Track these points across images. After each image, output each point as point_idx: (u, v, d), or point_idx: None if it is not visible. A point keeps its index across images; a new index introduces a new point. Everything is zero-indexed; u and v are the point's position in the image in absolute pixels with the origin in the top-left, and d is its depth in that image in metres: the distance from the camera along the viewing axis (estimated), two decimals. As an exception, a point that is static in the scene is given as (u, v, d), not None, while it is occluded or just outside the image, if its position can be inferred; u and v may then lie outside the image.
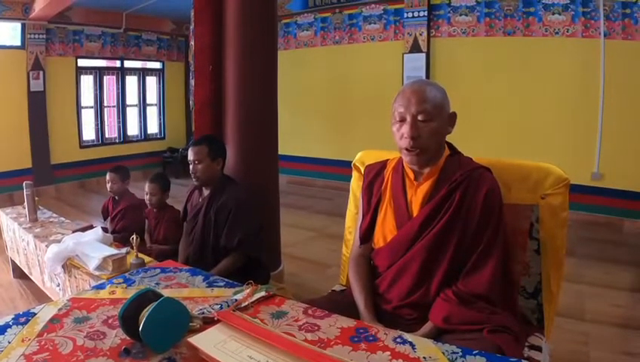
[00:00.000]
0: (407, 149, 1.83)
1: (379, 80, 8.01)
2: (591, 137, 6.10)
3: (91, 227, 3.98)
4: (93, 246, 3.09)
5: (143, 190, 4.09)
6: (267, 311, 1.66)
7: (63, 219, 4.38)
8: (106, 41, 9.25)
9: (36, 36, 8.06)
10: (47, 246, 3.43)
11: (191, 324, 1.48)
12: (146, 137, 10.27)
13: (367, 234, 2.11)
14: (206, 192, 3.31)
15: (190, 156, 3.24)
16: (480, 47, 6.94)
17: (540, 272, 2.03)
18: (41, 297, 4.01)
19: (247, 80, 3.93)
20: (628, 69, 5.82)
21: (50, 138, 8.48)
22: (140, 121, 10.15)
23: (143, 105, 10.13)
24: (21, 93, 8.02)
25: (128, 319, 1.39)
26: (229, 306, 1.64)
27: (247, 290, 1.77)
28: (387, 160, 2.14)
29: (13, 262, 4.64)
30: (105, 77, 9.43)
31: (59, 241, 3.36)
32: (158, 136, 10.54)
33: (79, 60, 8.92)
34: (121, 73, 9.65)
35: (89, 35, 8.97)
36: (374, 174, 2.13)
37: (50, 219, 4.33)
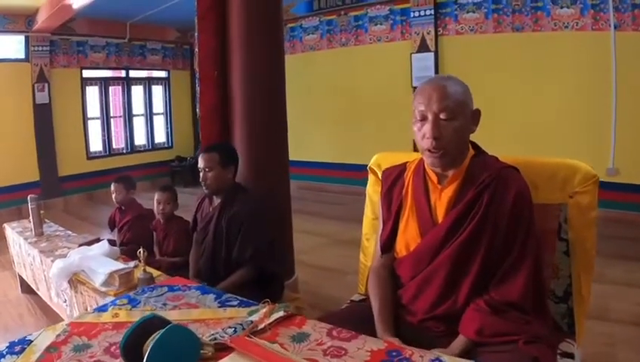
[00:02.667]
0: (429, 150, 1.70)
1: (387, 81, 7.88)
2: (605, 132, 5.94)
3: (98, 240, 3.84)
4: (99, 260, 2.96)
5: (152, 200, 3.95)
6: (287, 333, 1.51)
7: (69, 232, 4.25)
8: (111, 52, 9.16)
9: (40, 48, 7.98)
10: (52, 261, 3.31)
11: (202, 352, 1.33)
12: (153, 147, 10.20)
13: (388, 244, 1.97)
14: (217, 201, 3.15)
15: (200, 164, 3.07)
16: (489, 44, 6.82)
17: (569, 275, 1.92)
18: (49, 313, 3.89)
19: (255, 85, 3.79)
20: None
21: (56, 150, 8.40)
22: (147, 131, 10.08)
23: (149, 114, 10.06)
24: (27, 105, 7.93)
25: (131, 349, 1.24)
26: (243, 329, 1.49)
27: (264, 310, 1.61)
28: (406, 162, 2.00)
29: (20, 277, 4.52)
30: (110, 87, 9.33)
31: (64, 256, 3.23)
32: (166, 145, 10.47)
33: (84, 71, 8.86)
34: (127, 83, 9.56)
35: (93, 46, 8.89)
36: (394, 179, 1.99)
37: (57, 233, 4.20)
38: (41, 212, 4.22)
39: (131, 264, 3.03)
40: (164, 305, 1.82)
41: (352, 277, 4.39)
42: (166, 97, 10.34)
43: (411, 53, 7.50)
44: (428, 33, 7.33)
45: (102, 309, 1.79)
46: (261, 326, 1.52)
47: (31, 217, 4.15)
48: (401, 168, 1.99)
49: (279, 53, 4.03)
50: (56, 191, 8.29)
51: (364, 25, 8.11)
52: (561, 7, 6.15)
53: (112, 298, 2.55)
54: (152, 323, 1.28)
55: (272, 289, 3.08)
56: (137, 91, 9.82)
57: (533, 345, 1.54)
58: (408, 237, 1.86)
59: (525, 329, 1.60)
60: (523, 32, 6.51)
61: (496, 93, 6.62)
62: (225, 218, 3.02)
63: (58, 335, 1.53)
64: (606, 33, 5.84)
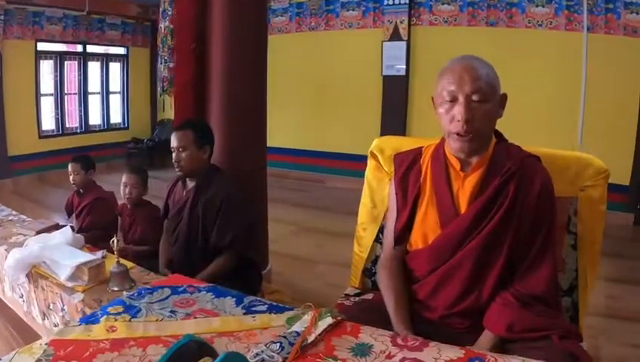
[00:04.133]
0: (458, 134, 1.60)
1: (357, 68, 7.65)
2: (572, 132, 5.88)
3: (57, 226, 3.45)
4: (62, 251, 2.58)
5: (107, 184, 3.58)
6: (343, 344, 1.27)
7: (23, 217, 3.82)
8: (68, 24, 8.52)
9: (-7, 18, 7.34)
10: (6, 250, 2.90)
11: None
12: (108, 127, 9.59)
13: (402, 235, 1.84)
14: (190, 184, 2.91)
15: (173, 143, 2.81)
16: (462, 37, 6.67)
17: (575, 268, 1.90)
18: (3, 307, 3.45)
19: (237, 60, 3.49)
20: (610, 63, 5.68)
21: (6, 128, 7.78)
22: (103, 110, 9.48)
23: (105, 92, 9.45)
24: (-25, 79, 7.30)
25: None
26: (291, 344, 1.20)
27: (307, 317, 1.32)
28: (421, 147, 1.88)
29: (-35, 266, 4.04)
30: (66, 62, 8.72)
31: (21, 245, 2.83)
32: (122, 126, 9.85)
33: (39, 44, 8.18)
34: (83, 59, 8.95)
35: (50, 18, 8.24)
36: (409, 164, 1.86)
37: (10, 218, 3.76)
38: (-8, 193, 3.77)
39: (99, 254, 2.67)
40: (173, 312, 1.48)
41: (324, 267, 4.44)
42: (124, 75, 9.74)
43: (383, 42, 7.27)
44: (401, 22, 7.11)
45: (91, 320, 1.44)
46: (310, 338, 1.26)
47: (-20, 199, 3.70)
48: (416, 153, 1.88)
49: (263, 27, 3.79)
50: (5, 172, 7.69)
51: (336, 10, 7.81)
52: (537, 6, 6.12)
53: (80, 294, 2.26)
54: (189, 351, 0.95)
55: (250, 279, 2.92)
56: (94, 68, 9.21)
57: (568, 341, 1.50)
58: (427, 228, 1.75)
59: (555, 323, 1.56)
60: (497, 27, 6.41)
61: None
62: (200, 202, 2.80)
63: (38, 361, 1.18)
64: (579, 34, 5.82)
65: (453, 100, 1.61)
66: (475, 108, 1.58)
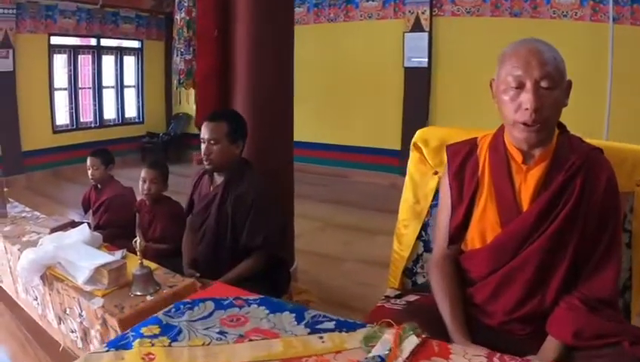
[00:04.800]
0: (525, 124, 1.47)
1: (377, 60, 7.43)
2: (597, 126, 5.65)
3: (73, 224, 3.24)
4: (80, 251, 2.37)
5: (122, 180, 3.39)
6: None
7: (37, 213, 3.61)
8: (82, 18, 8.31)
9: (5, 11, 7.14)
10: (19, 250, 2.69)
11: None
12: (123, 121, 9.36)
13: (458, 233, 1.70)
14: (219, 179, 2.71)
15: (205, 134, 2.60)
16: (485, 28, 6.47)
17: (629, 268, 1.77)
18: (15, 308, 3.28)
19: (261, 46, 3.26)
20: (636, 55, 5.50)
21: (20, 123, 7.58)
22: (117, 104, 9.28)
23: (120, 86, 9.23)
24: (-12, 73, 7.11)
25: None
26: None
27: (387, 336, 1.13)
28: (475, 138, 1.75)
29: (-22, 265, 3.84)
30: (80, 56, 8.51)
31: (35, 244, 2.63)
32: (137, 120, 9.64)
33: (52, 38, 7.96)
34: (97, 52, 8.75)
35: (63, 11, 8.02)
36: (464, 156, 1.72)
37: (23, 214, 3.56)
38: (5, 189, 3.56)
39: (118, 254, 2.46)
40: (223, 334, 1.24)
41: (351, 264, 4.25)
42: (138, 69, 9.53)
43: (404, 33, 7.06)
44: (423, 13, 6.90)
45: (121, 344, 1.19)
46: (398, 363, 1.00)
47: (-8, 195, 3.50)
48: (471, 144, 1.74)
49: (289, 14, 3.56)
50: (18, 167, 7.51)
51: (355, 0, 7.59)
52: (562, -4, 5.89)
53: (99, 299, 2.05)
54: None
55: (279, 279, 2.76)
56: (108, 62, 8.99)
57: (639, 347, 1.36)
58: (485, 227, 1.61)
59: (626, 328, 1.45)
60: (521, 18, 6.23)
61: (488, 77, 6.28)
62: (230, 199, 2.61)
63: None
64: (604, 25, 5.63)
65: (520, 87, 1.48)
66: (544, 95, 1.45)
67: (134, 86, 9.55)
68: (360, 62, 7.58)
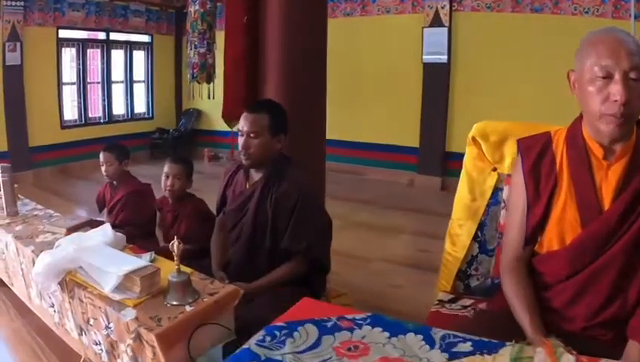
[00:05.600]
0: (612, 115, 1.38)
1: (396, 56, 7.16)
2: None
3: (91, 223, 2.97)
4: (103, 254, 2.09)
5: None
6: None
7: (50, 211, 3.34)
8: (91, 11, 8.04)
9: (13, 3, 6.88)
10: (33, 252, 2.42)
11: None
12: (132, 117, 9.13)
13: (535, 233, 1.59)
14: (256, 176, 2.45)
15: (244, 126, 2.33)
16: (506, 24, 6.30)
17: None
18: (27, 312, 3.01)
19: (293, 33, 3.00)
20: None
21: (27, 118, 7.33)
22: (127, 100, 9.02)
23: (129, 81, 8.97)
24: (-5, 67, 6.86)
25: None
26: None
27: (540, 355, 1.07)
28: (548, 132, 1.65)
29: (-13, 266, 3.56)
30: (88, 50, 8.26)
31: (51, 246, 2.36)
32: (146, 116, 9.37)
33: (60, 31, 7.70)
34: (106, 46, 8.47)
35: (72, 4, 7.73)
36: (539, 152, 1.62)
37: (35, 213, 3.29)
38: (15, 186, 3.28)
39: (146, 257, 2.20)
40: None
41: (378, 264, 4.13)
42: (148, 64, 9.27)
43: (423, 27, 6.82)
44: (442, 7, 6.67)
45: None
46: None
47: (2, 192, 3.22)
48: (545, 138, 1.64)
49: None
50: (25, 164, 7.24)
51: (372, -6, 7.33)
52: (584, -8, 5.75)
53: (131, 310, 1.78)
54: None
55: (317, 283, 2.51)
56: (117, 56, 8.75)
57: None
58: (564, 227, 1.52)
59: None
60: (542, 14, 6.07)
61: (510, 75, 6.28)
62: (270, 198, 2.36)
63: None
64: (626, 22, 5.34)
65: (608, 77, 1.39)
66: (632, 87, 1.36)
67: (144, 81, 9.28)
68: (377, 57, 7.33)
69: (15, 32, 6.97)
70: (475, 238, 2.07)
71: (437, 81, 6.80)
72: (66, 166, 7.89)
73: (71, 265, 2.08)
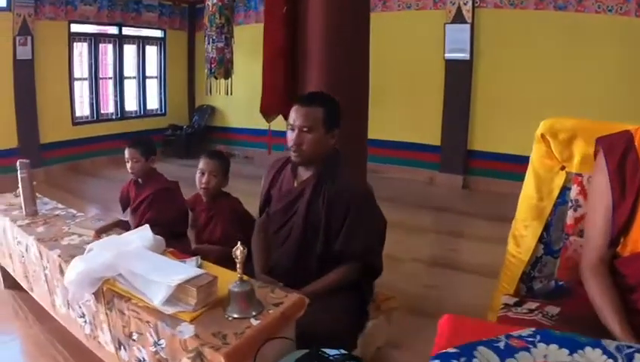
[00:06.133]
0: None
1: (417, 52, 6.91)
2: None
3: (119, 224, 2.74)
4: (147, 260, 1.86)
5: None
6: None
7: (72, 211, 3.11)
8: (103, 5, 7.78)
9: (24, -4, 6.65)
10: (60, 256, 2.17)
11: None
12: (145, 113, 8.89)
13: (619, 233, 1.56)
14: (306, 174, 2.25)
15: (296, 120, 2.13)
16: (529, 21, 6.07)
17: None
18: (47, 319, 2.78)
19: (336, 24, 2.82)
20: None
21: (38, 114, 7.07)
22: (139, 96, 8.78)
23: (142, 77, 8.73)
24: (6, 61, 6.59)
25: None
26: None
27: None
28: (628, 130, 1.61)
29: (3, 270, 3.32)
30: (100, 45, 8.02)
31: (79, 249, 2.13)
32: (159, 113, 9.13)
33: (72, 25, 7.45)
34: (119, 41, 8.23)
35: (84, -3, 7.53)
36: (623, 150, 1.57)
37: (56, 212, 3.06)
38: (34, 183, 3.04)
39: (192, 263, 1.96)
40: None
41: (410, 265, 3.98)
42: (161, 59, 9.02)
43: (445, 24, 6.57)
44: (465, 4, 6.42)
45: None
46: None
47: (20, 190, 2.99)
48: (626, 137, 1.60)
49: None
50: (36, 161, 6.89)
51: (393, -11, 7.09)
52: (608, -10, 5.61)
53: (189, 326, 1.57)
54: None
55: (367, 287, 2.35)
56: (130, 51, 8.51)
57: None
58: None
59: None
60: (566, 12, 5.84)
61: (532, 73, 6.07)
62: (323, 197, 2.17)
63: None
64: None
65: None
66: None
67: (156, 77, 9.03)
68: (398, 53, 7.07)
69: (26, 26, 6.72)
70: (540, 239, 1.97)
71: (459, 78, 6.56)
72: (78, 163, 7.64)
73: (109, 273, 1.85)
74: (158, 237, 2.15)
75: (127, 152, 3.21)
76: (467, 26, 6.43)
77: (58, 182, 6.87)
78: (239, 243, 1.62)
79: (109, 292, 1.85)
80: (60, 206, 3.19)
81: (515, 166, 6.12)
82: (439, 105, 6.73)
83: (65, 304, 2.31)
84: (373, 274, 2.29)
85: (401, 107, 7.08)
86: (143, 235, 2.08)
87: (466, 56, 6.49)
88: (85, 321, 2.14)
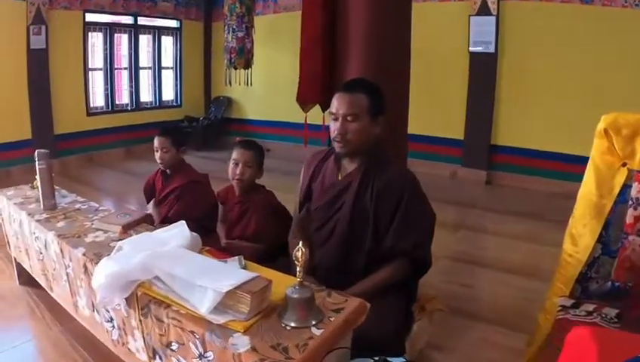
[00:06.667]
0: None
1: (440, 44, 6.66)
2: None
3: (147, 219, 2.51)
4: (188, 261, 1.66)
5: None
6: None
7: (94, 205, 2.89)
8: (118, -6, 7.61)
9: (38, -16, 6.44)
10: (85, 255, 1.95)
11: None
12: (160, 104, 8.65)
13: None
14: (351, 166, 2.10)
15: (339, 108, 1.98)
16: (555, 15, 5.84)
17: None
18: (65, 319, 2.61)
19: (379, 6, 2.55)
20: None
21: (52, 104, 6.87)
22: (154, 87, 8.52)
23: (157, 68, 8.48)
24: (20, 50, 6.40)
25: None
26: None
27: None
28: None
29: (19, 265, 3.10)
30: (115, 35, 7.79)
31: (105, 247, 1.93)
32: (174, 104, 8.90)
33: (87, 15, 7.22)
34: (134, 31, 8.01)
35: (99, -14, 7.32)
36: None
37: (76, 206, 2.85)
38: (52, 175, 2.83)
39: (234, 263, 1.74)
40: None
41: (442, 262, 3.79)
42: (176, 50, 8.79)
43: (470, 16, 6.33)
44: (490, -5, 6.17)
45: None
46: None
47: (38, 182, 2.77)
48: None
49: None
50: (51, 152, 6.68)
51: (417, -20, 6.78)
52: (635, -16, 5.38)
53: (243, 338, 1.36)
54: None
55: (413, 286, 2.20)
56: (145, 41, 8.30)
57: None
58: None
59: None
60: (592, 5, 5.63)
61: (557, 66, 5.84)
62: (372, 189, 2.02)
63: None
64: None
65: None
66: None
67: (172, 68, 8.80)
68: (421, 46, 6.75)
69: (40, 15, 6.51)
70: (598, 239, 1.91)
71: (484, 71, 6.33)
72: (93, 154, 7.45)
73: (143, 276, 1.63)
74: (195, 234, 1.94)
75: (156, 141, 3.00)
76: (492, 19, 6.19)
77: (73, 173, 6.69)
78: (300, 243, 1.39)
79: (144, 297, 1.63)
80: (80, 199, 2.98)
81: (540, 162, 5.95)
82: (463, 99, 6.50)
83: (89, 306, 2.10)
84: (422, 270, 2.11)
85: (424, 100, 6.79)
86: (180, 233, 1.86)
87: (491, 48, 6.24)
88: (113, 326, 1.92)
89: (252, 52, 5.84)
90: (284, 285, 1.49)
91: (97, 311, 2.02)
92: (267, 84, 7.70)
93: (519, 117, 6.12)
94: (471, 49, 6.39)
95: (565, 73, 5.76)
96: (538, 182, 5.94)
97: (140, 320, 1.68)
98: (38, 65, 6.60)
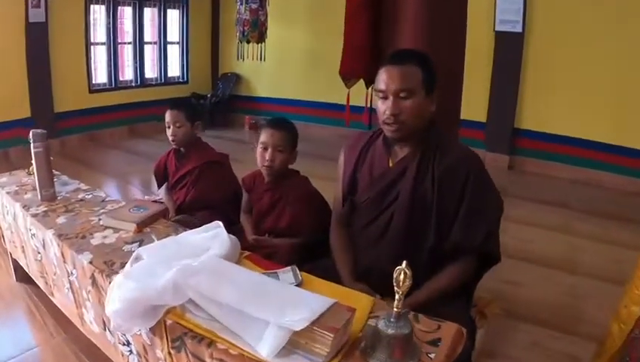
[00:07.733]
0: None
1: (463, 23, 6.13)
2: None
3: (164, 213, 2.09)
4: (235, 280, 1.22)
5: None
6: None
7: (101, 194, 2.48)
8: (122, -36, 7.14)
9: (37, -46, 6.01)
10: (91, 263, 1.56)
11: None
12: (166, 81, 8.16)
13: None
14: (403, 151, 1.77)
15: (390, 84, 1.65)
16: None
17: None
18: (71, 327, 2.16)
19: None
20: None
21: (52, 81, 6.40)
22: (160, 62, 8.05)
23: (163, 43, 8.00)
24: (17, 23, 5.94)
25: None
26: None
27: None
28: None
29: (14, 261, 2.71)
30: (119, 7, 7.30)
31: (118, 252, 1.58)
32: (180, 80, 8.42)
33: (89, -14, 6.83)
34: (139, 4, 7.51)
35: (102, -45, 6.85)
36: None
37: (79, 196, 2.44)
38: (51, 159, 2.40)
39: (288, 274, 1.41)
40: None
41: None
42: (183, 24, 8.26)
43: (496, -9, 5.91)
44: (519, -29, 5.76)
45: None
46: None
47: (34, 167, 2.34)
48: None
49: None
50: (50, 131, 6.26)
51: (439, -47, 6.32)
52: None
53: None
54: None
55: (472, 287, 1.92)
56: (150, 14, 7.78)
57: None
58: None
59: None
60: None
61: (588, 49, 5.39)
62: (432, 175, 1.70)
63: None
64: None
65: None
66: None
67: (178, 42, 8.30)
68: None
69: (40, -14, 6.09)
70: None
71: (509, 52, 5.90)
72: (95, 133, 7.03)
73: (174, 301, 1.21)
74: (234, 238, 1.53)
75: (168, 115, 2.63)
76: (521, -4, 5.79)
77: (74, 153, 6.26)
78: (404, 263, 0.99)
79: (175, 328, 1.23)
80: (83, 187, 2.56)
81: (566, 148, 5.61)
82: (487, 80, 6.08)
83: (98, 323, 1.70)
84: (489, 265, 1.80)
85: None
86: (216, 236, 1.46)
87: (518, 28, 5.82)
88: (131, 351, 1.52)
89: (266, 25, 5.44)
90: (352, 302, 1.09)
91: (112, 335, 1.62)
92: (280, 60, 7.27)
93: (545, 101, 5.73)
94: (497, 28, 5.95)
95: (597, 57, 5.35)
96: (560, 169, 5.60)
97: (170, 353, 1.27)
98: (37, 39, 6.15)
